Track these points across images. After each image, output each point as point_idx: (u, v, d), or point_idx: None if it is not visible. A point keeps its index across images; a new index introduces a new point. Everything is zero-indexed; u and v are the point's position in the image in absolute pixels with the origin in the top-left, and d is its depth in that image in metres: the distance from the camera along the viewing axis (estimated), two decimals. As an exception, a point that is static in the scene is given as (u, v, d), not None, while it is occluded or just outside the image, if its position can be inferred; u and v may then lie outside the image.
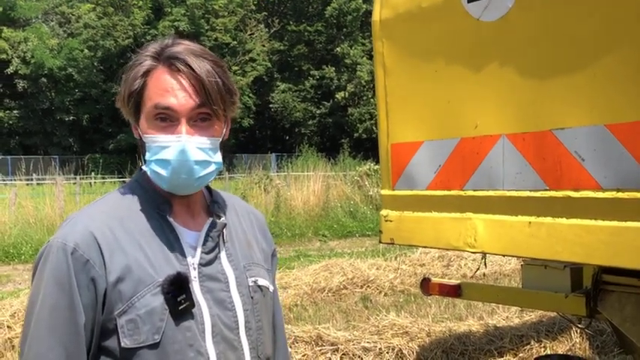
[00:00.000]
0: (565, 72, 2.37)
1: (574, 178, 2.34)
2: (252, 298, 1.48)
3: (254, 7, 39.08)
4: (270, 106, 39.05)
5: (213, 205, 1.53)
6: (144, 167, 1.43)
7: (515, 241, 2.55)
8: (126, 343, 1.33)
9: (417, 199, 2.98)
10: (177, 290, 1.34)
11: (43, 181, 19.01)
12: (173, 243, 1.41)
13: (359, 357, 5.30)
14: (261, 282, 1.52)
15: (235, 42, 37.51)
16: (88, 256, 1.33)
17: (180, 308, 1.34)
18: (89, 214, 1.42)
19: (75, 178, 19.88)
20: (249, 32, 38.77)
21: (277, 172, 23.88)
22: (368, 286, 8.62)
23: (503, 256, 3.14)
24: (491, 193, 2.66)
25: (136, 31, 34.54)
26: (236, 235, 1.54)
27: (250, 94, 37.55)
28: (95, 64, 35.55)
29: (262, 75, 38.61)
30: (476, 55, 2.70)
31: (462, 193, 2.78)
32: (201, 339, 1.37)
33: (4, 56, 34.99)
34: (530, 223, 2.49)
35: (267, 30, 39.73)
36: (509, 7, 2.57)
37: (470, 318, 6.58)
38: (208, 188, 1.58)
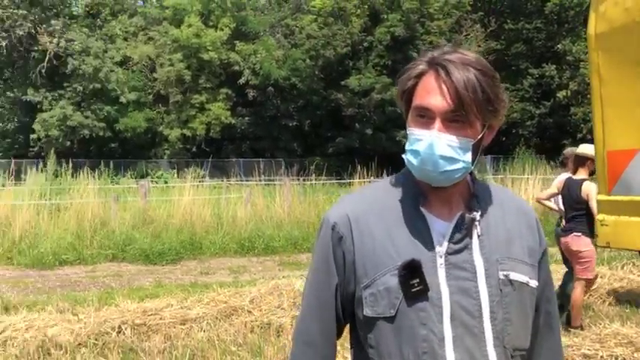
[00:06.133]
0: None
1: None
2: (500, 290, 1.54)
3: (469, 8, 38.60)
4: (486, 107, 38.18)
5: (472, 199, 1.62)
6: (404, 155, 1.59)
7: None
8: (367, 312, 1.56)
9: (634, 205, 3.02)
10: (409, 274, 1.50)
11: (271, 182, 20.61)
12: (422, 231, 1.56)
13: (577, 364, 5.24)
14: (514, 276, 1.57)
15: (450, 44, 37.13)
16: (342, 233, 1.60)
17: (412, 290, 1.50)
18: (353, 198, 1.69)
19: (298, 180, 21.17)
20: (464, 33, 38.38)
21: (493, 174, 23.42)
22: (590, 294, 8.32)
23: None
24: None
25: (353, 39, 35.77)
26: (495, 229, 1.60)
27: (465, 96, 37.04)
28: (316, 72, 37.11)
29: (478, 76, 37.90)
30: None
31: (680, 200, 2.78)
32: (437, 320, 1.50)
33: (236, 68, 37.96)
34: None
35: (483, 30, 39.01)
36: None
37: None
38: (475, 182, 1.68)
